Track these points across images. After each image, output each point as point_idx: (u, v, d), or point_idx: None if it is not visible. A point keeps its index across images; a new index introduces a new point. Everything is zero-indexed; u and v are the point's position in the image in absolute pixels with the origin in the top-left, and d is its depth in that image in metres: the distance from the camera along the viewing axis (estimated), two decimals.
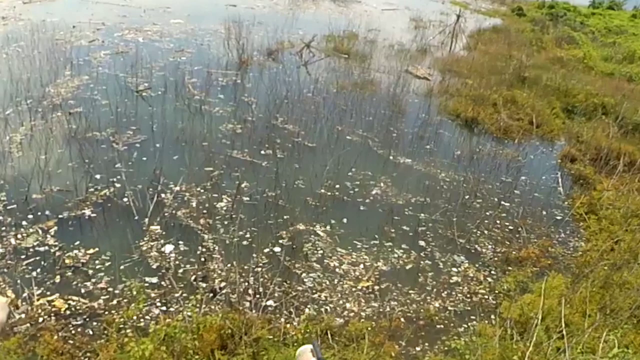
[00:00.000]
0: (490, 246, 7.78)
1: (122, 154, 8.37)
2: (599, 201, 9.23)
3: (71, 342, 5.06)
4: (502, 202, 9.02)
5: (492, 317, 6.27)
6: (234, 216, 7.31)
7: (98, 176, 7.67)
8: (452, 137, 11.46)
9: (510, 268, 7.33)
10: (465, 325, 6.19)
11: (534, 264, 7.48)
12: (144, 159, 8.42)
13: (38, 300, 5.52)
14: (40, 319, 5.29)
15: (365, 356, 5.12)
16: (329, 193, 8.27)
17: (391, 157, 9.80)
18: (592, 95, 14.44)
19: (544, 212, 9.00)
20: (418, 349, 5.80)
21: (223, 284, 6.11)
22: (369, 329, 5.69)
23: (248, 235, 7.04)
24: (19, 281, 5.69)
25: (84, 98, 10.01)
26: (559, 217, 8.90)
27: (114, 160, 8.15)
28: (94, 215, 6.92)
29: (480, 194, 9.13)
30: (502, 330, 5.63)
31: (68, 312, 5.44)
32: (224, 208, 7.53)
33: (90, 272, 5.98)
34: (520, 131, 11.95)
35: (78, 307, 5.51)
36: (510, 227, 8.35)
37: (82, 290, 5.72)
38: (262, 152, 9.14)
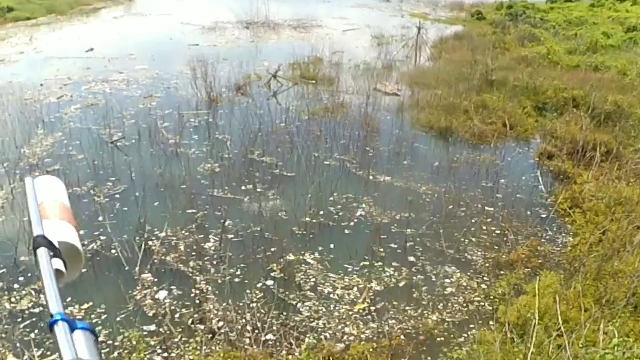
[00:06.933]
0: (480, 253, 7.81)
1: (104, 207, 8.36)
2: (581, 194, 9.27)
3: None
4: (486, 208, 9.07)
5: (491, 323, 6.30)
6: (222, 255, 7.31)
7: (82, 232, 7.60)
8: (429, 150, 11.54)
9: (502, 272, 7.35)
10: (465, 335, 6.19)
11: (526, 265, 7.49)
12: (126, 209, 8.41)
13: None
14: None
15: None
16: (314, 220, 8.29)
17: (371, 177, 9.85)
18: (561, 90, 14.55)
19: (529, 212, 9.04)
20: None
21: (221, 323, 6.09)
22: (371, 350, 5.70)
23: (239, 273, 7.03)
24: (18, 345, 5.64)
25: (60, 155, 9.99)
26: (544, 216, 8.95)
27: (97, 214, 8.14)
28: (85, 270, 6.85)
29: (463, 203, 9.17)
30: (502, 335, 5.65)
31: None
32: (212, 248, 7.53)
33: None
34: (495, 135, 12.04)
35: None
36: (497, 232, 8.38)
37: None
38: (243, 187, 9.15)
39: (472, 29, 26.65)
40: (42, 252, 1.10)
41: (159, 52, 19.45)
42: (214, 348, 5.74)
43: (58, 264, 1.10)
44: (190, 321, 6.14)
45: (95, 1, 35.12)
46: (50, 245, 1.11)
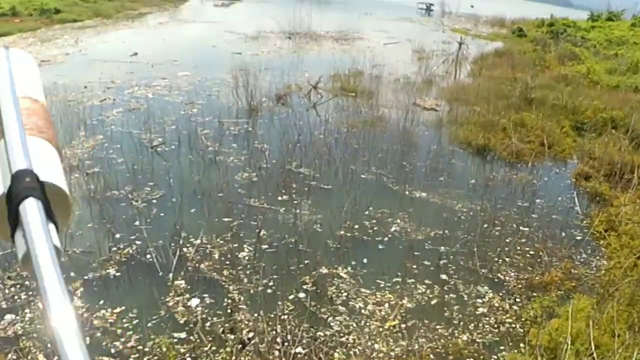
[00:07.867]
0: (513, 273, 7.76)
1: (141, 211, 8.47)
2: (617, 217, 9.20)
3: None
4: (521, 228, 9.02)
5: (522, 345, 6.25)
6: (256, 265, 7.36)
7: (118, 235, 7.74)
8: (465, 167, 11.55)
9: (535, 294, 7.28)
10: (495, 357, 6.14)
11: (559, 288, 7.43)
12: (163, 214, 8.51)
13: None
14: None
15: None
16: (349, 234, 8.31)
17: (407, 193, 9.85)
18: (600, 110, 14.46)
19: (564, 234, 8.97)
20: None
21: (251, 334, 6.09)
22: None
23: (272, 283, 7.06)
24: (49, 345, 5.72)
25: (100, 158, 10.15)
26: (579, 238, 8.88)
27: (133, 218, 8.25)
28: (119, 274, 6.97)
29: (498, 222, 9.12)
30: (533, 358, 5.63)
31: None
32: (246, 257, 7.58)
33: (119, 331, 5.96)
34: (533, 154, 12.01)
35: None
36: (531, 252, 8.32)
37: (112, 350, 5.70)
38: (279, 198, 9.22)
39: (513, 45, 26.53)
40: (33, 209, 0.59)
41: (201, 59, 19.71)
42: (243, 358, 5.75)
43: (52, 230, 0.60)
44: (220, 330, 6.15)
45: (141, 6, 35.68)
46: (43, 194, 0.63)
